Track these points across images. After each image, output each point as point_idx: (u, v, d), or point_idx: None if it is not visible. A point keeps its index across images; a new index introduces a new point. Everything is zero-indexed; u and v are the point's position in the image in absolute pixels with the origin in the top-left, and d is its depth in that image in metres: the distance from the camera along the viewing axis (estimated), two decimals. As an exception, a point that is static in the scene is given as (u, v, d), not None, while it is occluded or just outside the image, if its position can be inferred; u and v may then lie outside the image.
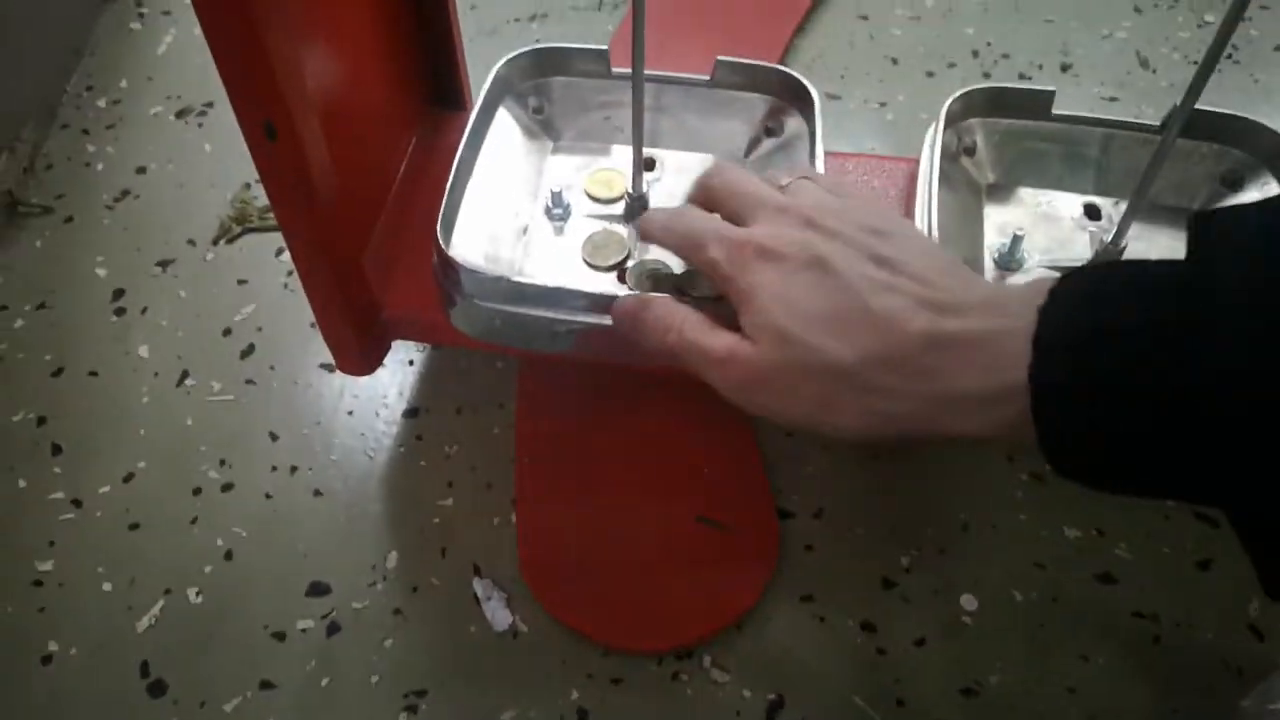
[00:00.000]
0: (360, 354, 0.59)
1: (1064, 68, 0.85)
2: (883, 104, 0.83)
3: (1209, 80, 0.48)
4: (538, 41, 0.64)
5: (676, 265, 0.57)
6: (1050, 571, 0.58)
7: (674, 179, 0.65)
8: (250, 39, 0.41)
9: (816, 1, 0.90)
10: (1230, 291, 0.26)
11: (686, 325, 0.41)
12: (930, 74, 0.85)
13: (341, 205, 0.53)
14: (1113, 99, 0.83)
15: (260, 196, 0.77)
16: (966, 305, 0.33)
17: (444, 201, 0.57)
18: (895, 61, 0.86)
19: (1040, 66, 0.85)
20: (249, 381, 0.67)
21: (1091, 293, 0.29)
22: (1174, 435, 0.27)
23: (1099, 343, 0.28)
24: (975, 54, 0.86)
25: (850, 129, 0.81)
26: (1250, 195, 0.61)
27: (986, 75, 0.85)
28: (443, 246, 0.55)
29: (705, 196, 0.47)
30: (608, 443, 0.63)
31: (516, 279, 0.56)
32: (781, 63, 0.86)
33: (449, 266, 0.55)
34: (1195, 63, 0.56)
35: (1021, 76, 0.84)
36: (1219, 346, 0.25)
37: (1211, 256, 0.27)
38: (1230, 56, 0.85)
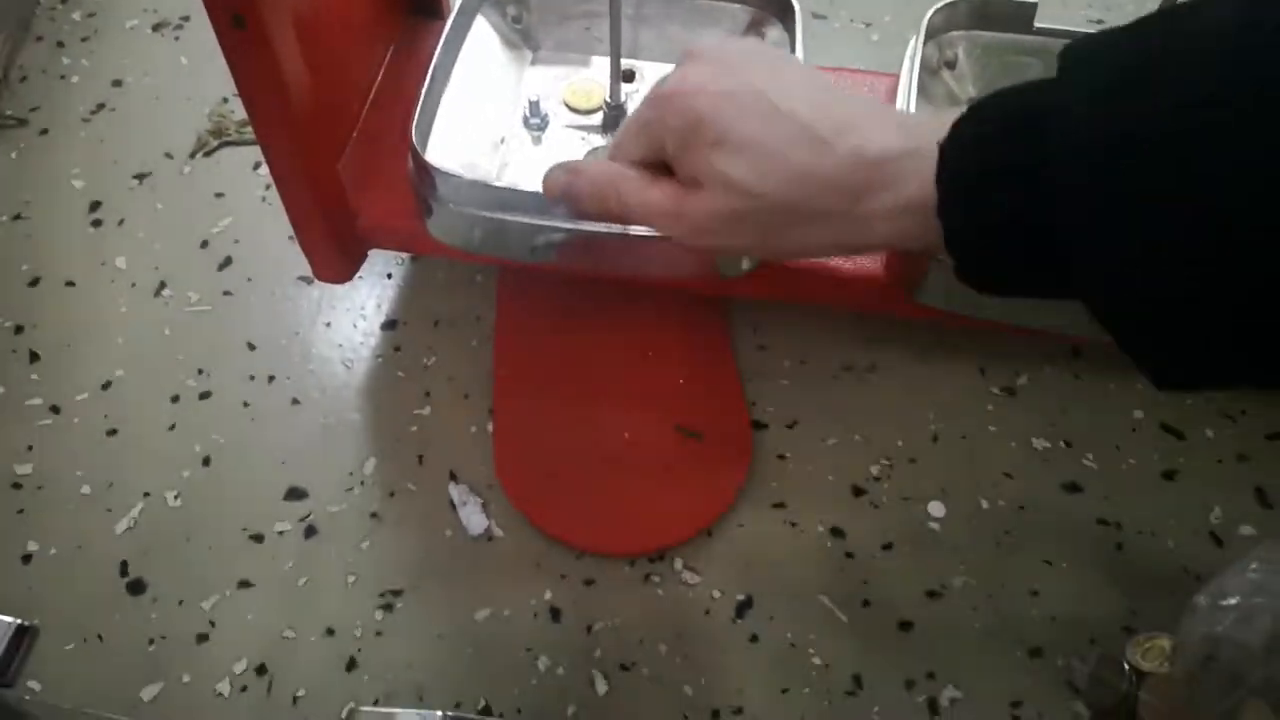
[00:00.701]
0: (336, 262, 0.59)
1: (1051, -11, 0.84)
2: (868, 24, 0.82)
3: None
4: (518, -53, 0.63)
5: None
6: (1017, 481, 0.59)
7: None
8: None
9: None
10: (1076, 85, 0.29)
11: (624, 186, 0.41)
12: (914, -7, 0.84)
13: (316, 110, 0.52)
14: (1099, 21, 0.82)
15: (237, 110, 0.76)
16: (872, 127, 0.36)
17: (418, 106, 0.57)
18: (879, -17, 0.85)
19: (1027, -12, 0.84)
20: (226, 293, 0.67)
21: (980, 111, 0.33)
22: (1039, 213, 0.30)
23: (981, 145, 0.32)
24: (963, -25, 0.85)
25: (834, 48, 0.80)
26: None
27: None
28: (418, 150, 0.55)
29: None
30: (586, 354, 0.64)
31: (492, 183, 0.56)
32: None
33: (424, 171, 0.55)
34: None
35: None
36: (1067, 127, 0.29)
37: (1070, 65, 0.30)
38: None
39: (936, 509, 0.58)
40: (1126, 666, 0.50)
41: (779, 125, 0.36)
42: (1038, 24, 0.62)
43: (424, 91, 0.57)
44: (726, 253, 0.40)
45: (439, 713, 0.39)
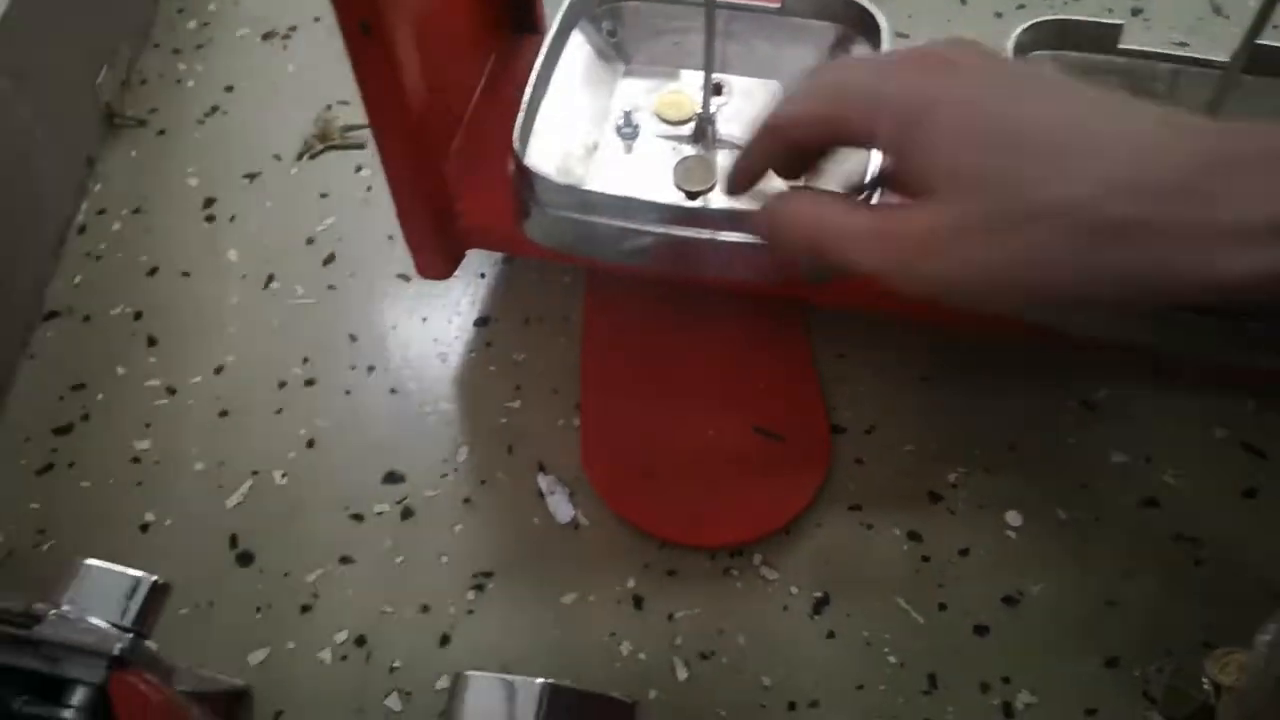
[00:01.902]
0: (438, 260, 0.63)
1: (1134, 11, 0.85)
2: (951, 43, 0.83)
3: (1275, 11, 0.48)
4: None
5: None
6: (1095, 492, 0.59)
7: (741, 103, 0.67)
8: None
9: (889, -59, 0.91)
10: None
11: (825, 212, 0.34)
12: (999, 14, 0.86)
13: (428, 113, 0.56)
14: (1182, 44, 0.82)
15: (341, 115, 0.80)
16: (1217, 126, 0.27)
17: (521, 114, 0.60)
18: (964, 2, 0.87)
19: (1110, 10, 0.85)
20: (330, 287, 0.71)
21: None
22: None
23: None
24: (1047, -3, 0.86)
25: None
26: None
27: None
28: (519, 155, 0.58)
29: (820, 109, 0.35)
30: (670, 354, 0.66)
31: (588, 188, 0.58)
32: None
33: (525, 175, 0.58)
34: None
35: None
36: None
37: None
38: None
39: (1014, 517, 0.59)
40: (1205, 680, 0.51)
41: (1073, 107, 0.27)
42: (1122, 45, 0.63)
43: (526, 100, 0.60)
44: (955, 293, 0.29)
45: (539, 680, 0.42)
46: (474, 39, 0.67)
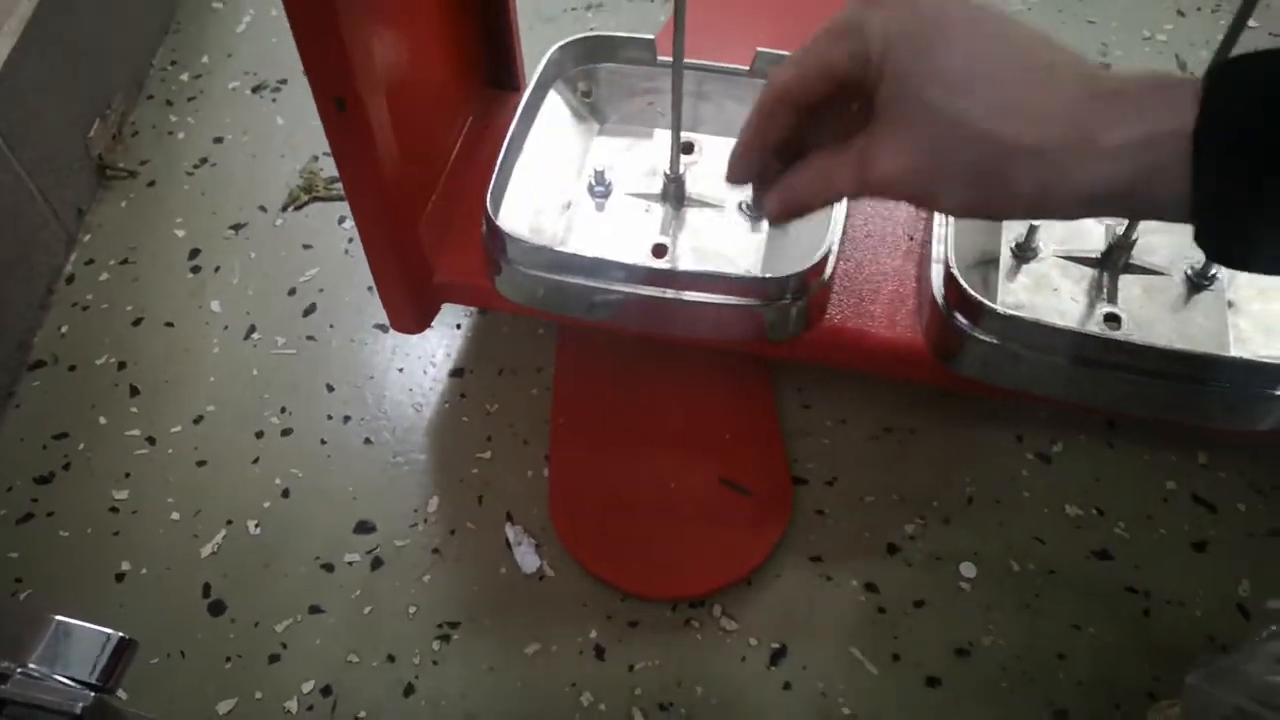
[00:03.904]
0: (412, 314, 0.65)
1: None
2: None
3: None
4: (591, 29, 0.68)
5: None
6: (1049, 545, 0.61)
7: (711, 162, 0.69)
8: (326, 22, 0.46)
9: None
10: None
11: (819, 166, 0.37)
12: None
13: (402, 175, 0.58)
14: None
15: (327, 168, 0.82)
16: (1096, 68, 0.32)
17: (494, 175, 0.62)
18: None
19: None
20: (310, 337, 0.73)
21: (1257, 63, 0.30)
22: None
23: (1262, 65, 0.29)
24: (1014, 53, 0.89)
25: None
26: None
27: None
28: (492, 216, 0.60)
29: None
30: (638, 407, 0.68)
31: (558, 248, 0.60)
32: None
33: (496, 235, 0.60)
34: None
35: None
36: None
37: None
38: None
39: (968, 569, 0.60)
40: (1149, 732, 0.52)
41: (1002, 47, 0.32)
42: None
43: (500, 160, 0.62)
44: (918, 203, 0.35)
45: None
46: (453, 99, 0.69)
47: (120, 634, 0.45)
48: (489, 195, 0.60)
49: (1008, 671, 0.57)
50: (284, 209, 0.81)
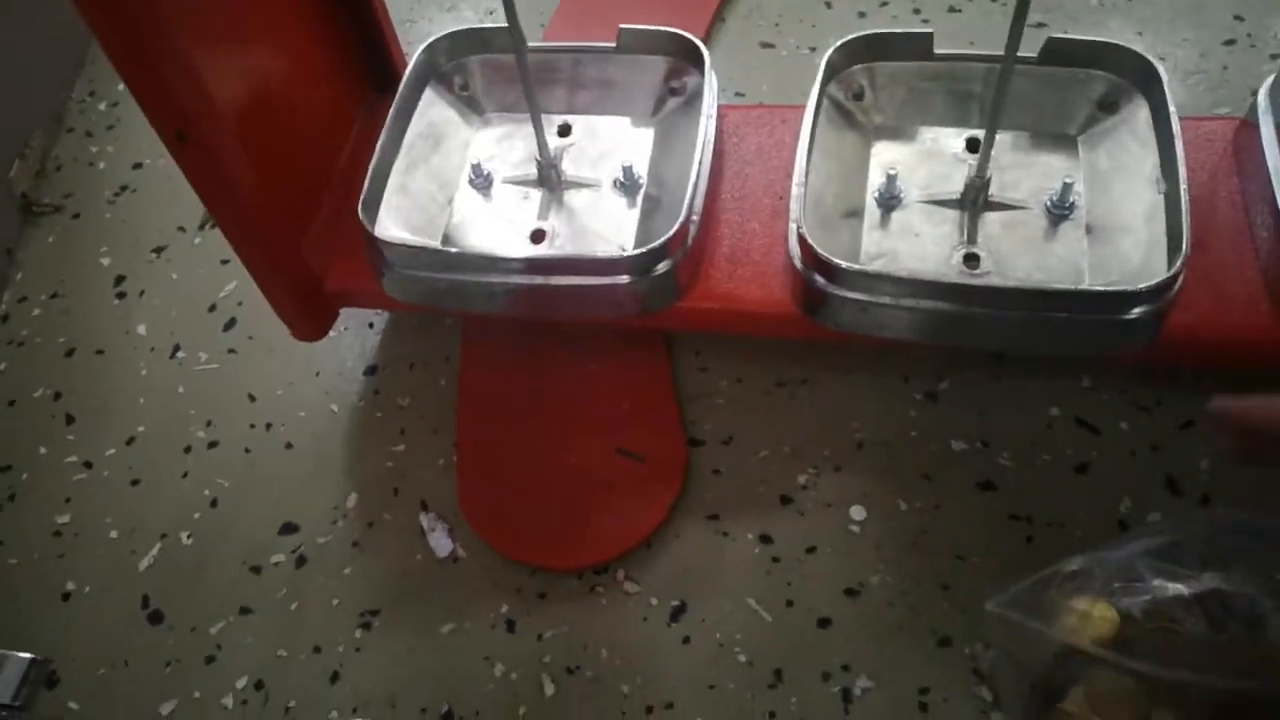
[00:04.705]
0: (310, 323, 0.67)
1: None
2: (813, 49, 0.86)
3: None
4: (489, 13, 0.69)
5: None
6: (935, 481, 0.63)
7: (587, 142, 0.71)
8: (151, 55, 0.48)
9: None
10: None
11: None
12: (862, 14, 0.88)
13: (266, 196, 0.60)
14: (1041, 25, 0.84)
15: (239, 183, 0.85)
16: None
17: (366, 182, 0.64)
18: (829, 5, 0.89)
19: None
20: (231, 351, 0.76)
21: None
22: None
23: None
24: (906, -10, 0.89)
25: (782, 77, 0.85)
26: (1124, 117, 0.64)
27: (917, 11, 0.87)
28: (365, 223, 0.62)
29: None
30: (539, 388, 0.70)
31: (431, 246, 0.63)
32: (716, 16, 0.90)
33: (371, 241, 0.62)
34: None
35: (916, 12, 0.87)
36: None
37: None
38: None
39: (858, 512, 0.63)
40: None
41: None
42: (938, 50, 0.66)
43: (371, 166, 0.65)
44: None
45: None
46: (331, 108, 0.71)
47: (30, 655, 0.49)
48: (361, 204, 0.63)
49: (894, 607, 0.59)
50: (200, 227, 0.83)
